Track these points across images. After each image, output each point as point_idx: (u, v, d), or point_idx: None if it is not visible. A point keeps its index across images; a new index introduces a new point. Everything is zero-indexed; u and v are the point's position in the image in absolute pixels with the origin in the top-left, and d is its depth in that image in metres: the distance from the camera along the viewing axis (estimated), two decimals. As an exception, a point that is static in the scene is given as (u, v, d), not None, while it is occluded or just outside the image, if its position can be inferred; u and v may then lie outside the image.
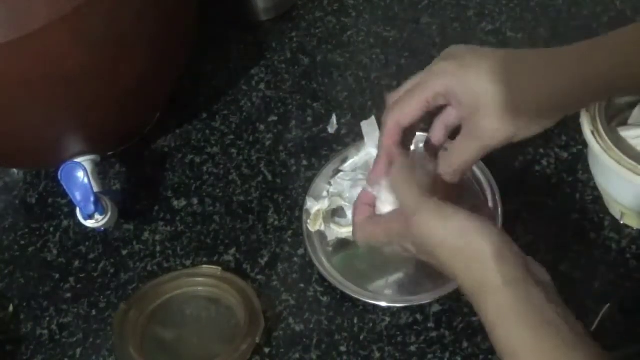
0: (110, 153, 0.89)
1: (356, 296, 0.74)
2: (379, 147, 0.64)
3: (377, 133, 0.76)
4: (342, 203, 0.78)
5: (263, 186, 0.85)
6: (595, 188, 0.77)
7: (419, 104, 0.61)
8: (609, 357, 0.52)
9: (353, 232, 0.66)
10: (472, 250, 0.54)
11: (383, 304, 0.73)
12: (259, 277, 0.78)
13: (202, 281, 0.77)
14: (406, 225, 0.58)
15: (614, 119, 0.74)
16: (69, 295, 0.80)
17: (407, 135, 0.64)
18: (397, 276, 0.75)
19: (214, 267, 0.78)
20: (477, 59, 0.59)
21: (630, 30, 0.61)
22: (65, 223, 0.86)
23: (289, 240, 0.80)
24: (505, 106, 0.58)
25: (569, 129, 0.83)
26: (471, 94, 0.59)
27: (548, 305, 0.52)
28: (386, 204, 0.63)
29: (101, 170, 0.85)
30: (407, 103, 0.61)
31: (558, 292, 0.54)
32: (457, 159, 0.62)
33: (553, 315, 0.52)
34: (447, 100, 0.61)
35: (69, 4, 0.66)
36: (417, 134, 0.66)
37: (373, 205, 0.64)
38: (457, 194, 0.63)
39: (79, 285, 0.81)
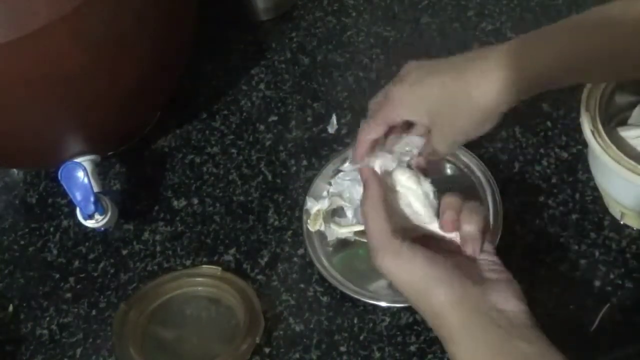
0: (110, 153, 0.89)
1: (356, 296, 0.74)
2: (353, 156, 0.69)
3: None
4: (342, 203, 0.78)
5: (263, 186, 0.85)
6: (595, 188, 0.77)
7: (381, 126, 0.67)
8: None
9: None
10: (432, 297, 0.56)
11: (383, 304, 0.73)
12: (259, 277, 0.78)
13: (202, 281, 0.77)
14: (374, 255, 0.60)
15: (614, 119, 0.74)
16: (69, 295, 0.80)
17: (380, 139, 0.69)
18: (397, 276, 0.75)
19: (214, 267, 0.78)
20: (422, 80, 0.64)
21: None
22: (65, 223, 0.86)
23: (289, 240, 0.80)
24: (444, 130, 0.64)
25: (569, 129, 0.83)
26: (423, 118, 0.65)
27: (509, 344, 0.53)
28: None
29: (101, 170, 0.85)
30: (372, 124, 0.68)
31: (534, 320, 0.55)
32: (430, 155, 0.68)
33: (516, 352, 0.53)
34: (404, 126, 0.68)
35: (69, 4, 0.66)
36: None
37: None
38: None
39: (79, 285, 0.81)
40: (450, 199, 0.62)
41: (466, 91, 0.61)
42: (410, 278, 0.57)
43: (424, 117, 0.64)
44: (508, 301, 0.55)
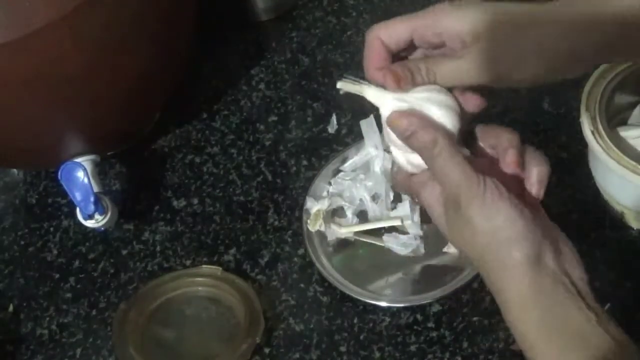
0: (110, 153, 0.89)
1: (356, 296, 0.74)
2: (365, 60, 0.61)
3: (376, 133, 0.76)
4: (342, 203, 0.78)
5: (263, 186, 0.85)
6: (595, 188, 0.77)
7: (406, 26, 0.58)
8: (626, 348, 0.50)
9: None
10: (507, 251, 0.52)
11: (383, 304, 0.73)
12: (259, 277, 0.78)
13: (202, 281, 0.77)
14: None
15: (614, 119, 0.74)
16: (69, 295, 0.80)
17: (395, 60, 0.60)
18: (397, 276, 0.75)
19: (214, 267, 0.78)
20: (474, 5, 0.56)
21: None
22: (65, 223, 0.86)
23: (289, 240, 0.80)
24: (483, 55, 0.55)
25: (569, 129, 0.83)
26: (455, 33, 0.56)
27: (576, 318, 0.52)
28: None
29: (101, 170, 0.85)
30: (392, 21, 0.59)
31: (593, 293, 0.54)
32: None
33: (578, 328, 0.51)
34: (433, 35, 0.58)
35: (69, 4, 0.66)
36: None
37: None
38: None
39: (79, 285, 0.81)
40: (509, 135, 0.56)
41: (530, 25, 0.54)
42: (489, 226, 0.52)
43: (464, 32, 0.54)
44: (575, 267, 0.53)
